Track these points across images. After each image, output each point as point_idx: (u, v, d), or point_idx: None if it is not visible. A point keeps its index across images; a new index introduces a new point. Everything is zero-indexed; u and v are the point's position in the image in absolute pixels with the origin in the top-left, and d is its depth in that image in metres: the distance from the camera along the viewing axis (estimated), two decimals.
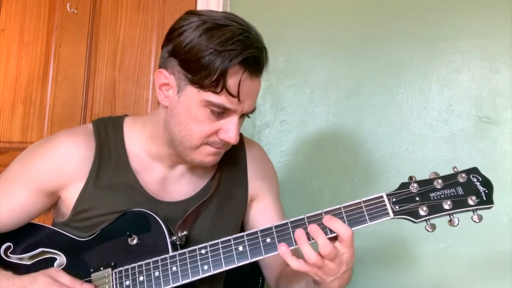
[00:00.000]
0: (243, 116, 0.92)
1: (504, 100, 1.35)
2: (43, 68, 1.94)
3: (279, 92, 1.56)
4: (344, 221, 0.83)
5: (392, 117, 1.46)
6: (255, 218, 1.09)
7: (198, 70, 0.85)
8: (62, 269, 0.95)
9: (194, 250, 0.89)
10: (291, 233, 0.85)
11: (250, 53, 0.86)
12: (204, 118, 0.89)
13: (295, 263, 0.83)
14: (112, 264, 0.92)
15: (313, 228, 0.83)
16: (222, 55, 0.83)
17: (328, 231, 0.83)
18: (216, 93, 0.86)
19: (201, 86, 0.86)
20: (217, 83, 0.85)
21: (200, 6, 1.71)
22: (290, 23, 1.59)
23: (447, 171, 0.85)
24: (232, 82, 0.85)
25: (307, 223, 0.85)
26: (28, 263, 0.98)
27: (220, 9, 1.66)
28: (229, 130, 0.90)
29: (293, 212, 1.51)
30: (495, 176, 1.32)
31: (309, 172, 1.53)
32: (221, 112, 0.88)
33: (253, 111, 0.93)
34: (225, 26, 0.86)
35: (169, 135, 0.94)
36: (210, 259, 0.87)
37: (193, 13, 0.90)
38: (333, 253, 0.81)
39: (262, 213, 1.09)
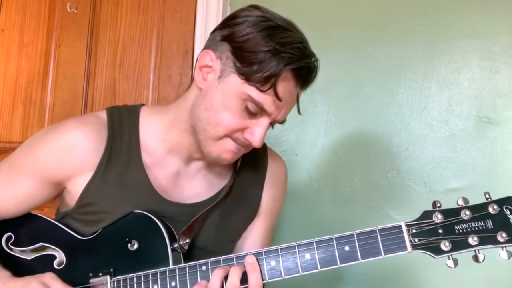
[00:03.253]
0: (270, 124, 0.90)
1: (504, 100, 1.35)
2: (43, 68, 1.94)
3: None
4: (356, 250, 0.78)
5: (392, 117, 1.46)
6: (246, 232, 1.06)
7: (250, 63, 0.83)
8: (61, 268, 0.94)
9: (195, 266, 0.85)
10: (298, 257, 0.81)
11: (307, 63, 0.85)
12: (237, 111, 0.86)
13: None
14: (111, 270, 0.90)
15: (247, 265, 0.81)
16: (280, 55, 0.81)
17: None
18: (261, 90, 0.83)
19: (247, 79, 0.83)
20: (266, 81, 0.82)
21: (200, 6, 1.71)
22: None
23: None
24: (280, 85, 0.83)
25: (315, 248, 0.80)
26: (29, 258, 0.96)
27: (220, 9, 1.66)
28: (255, 133, 0.87)
29: (293, 212, 1.52)
30: (495, 176, 1.34)
31: (309, 172, 1.53)
32: (255, 112, 0.86)
33: (283, 121, 0.91)
34: (286, 29, 0.85)
35: (193, 119, 0.90)
36: (210, 277, 0.83)
37: (257, 7, 0.89)
38: None
39: (255, 232, 1.06)
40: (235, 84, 0.85)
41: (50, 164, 0.92)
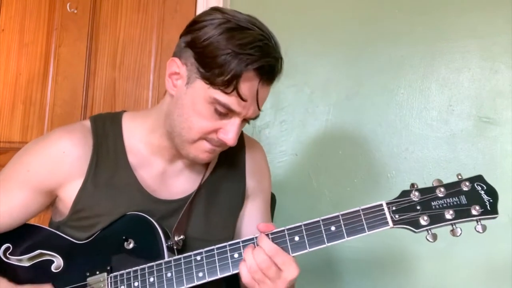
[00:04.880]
0: (245, 120, 0.92)
1: (504, 100, 1.35)
2: (43, 68, 1.94)
3: (279, 92, 1.56)
4: (341, 230, 0.82)
5: (392, 117, 1.46)
6: (241, 217, 1.09)
7: (212, 67, 0.85)
8: (59, 271, 0.95)
9: (190, 256, 0.88)
10: (288, 241, 0.84)
11: (267, 62, 0.86)
12: (207, 115, 0.88)
13: (242, 267, 0.83)
14: (108, 268, 0.92)
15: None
16: (239, 57, 0.83)
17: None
18: (225, 93, 0.85)
19: (211, 83, 0.86)
20: (229, 84, 0.84)
21: (200, 6, 1.71)
22: (290, 23, 1.59)
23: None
24: (243, 86, 0.85)
25: (304, 231, 0.84)
26: (26, 265, 0.98)
27: None
28: (228, 132, 0.90)
29: (293, 212, 1.52)
30: (495, 176, 1.34)
31: (309, 172, 1.53)
32: (225, 113, 0.88)
33: (256, 117, 0.93)
34: (246, 29, 0.86)
35: (169, 125, 0.93)
36: (205, 266, 0.87)
37: (218, 9, 0.90)
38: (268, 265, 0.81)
39: (249, 214, 1.09)
40: (201, 89, 0.87)
41: (40, 173, 0.96)
